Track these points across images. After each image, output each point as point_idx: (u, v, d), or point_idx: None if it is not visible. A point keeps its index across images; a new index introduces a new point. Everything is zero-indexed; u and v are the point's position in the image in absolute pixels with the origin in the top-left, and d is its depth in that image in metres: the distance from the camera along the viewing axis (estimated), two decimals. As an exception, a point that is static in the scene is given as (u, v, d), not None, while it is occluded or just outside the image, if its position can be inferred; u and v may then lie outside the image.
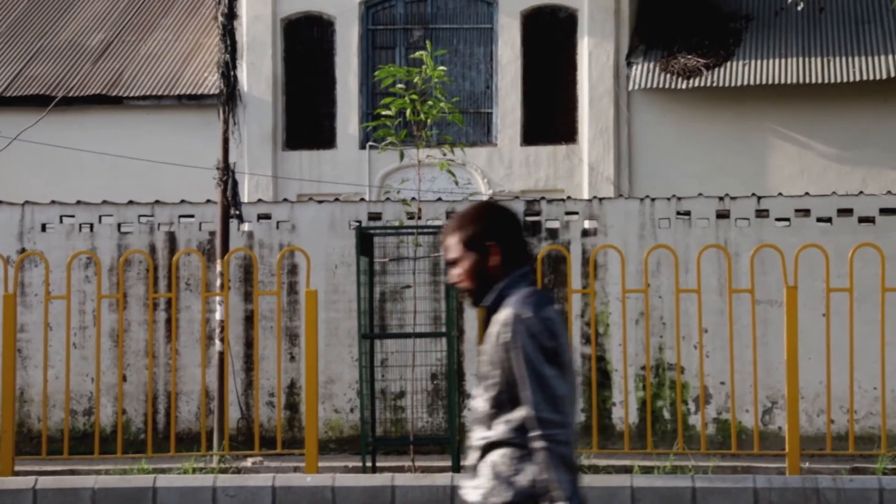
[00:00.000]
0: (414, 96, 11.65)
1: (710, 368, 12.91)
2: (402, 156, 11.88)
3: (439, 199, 14.25)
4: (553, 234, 13.56)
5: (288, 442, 12.88)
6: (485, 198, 17.62)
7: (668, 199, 13.52)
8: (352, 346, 13.41)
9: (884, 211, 13.17)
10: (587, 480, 10.23)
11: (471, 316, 13.17)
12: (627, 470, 11.11)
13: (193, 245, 13.79)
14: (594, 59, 20.27)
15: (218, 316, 12.88)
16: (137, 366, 13.69)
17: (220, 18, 13.44)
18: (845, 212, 13.22)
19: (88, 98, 21.11)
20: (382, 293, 13.26)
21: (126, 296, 13.57)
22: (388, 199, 14.36)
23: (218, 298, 12.64)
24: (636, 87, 19.82)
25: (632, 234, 13.41)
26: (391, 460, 12.03)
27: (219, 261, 12.93)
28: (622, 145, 20.19)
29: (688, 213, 13.41)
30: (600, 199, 13.89)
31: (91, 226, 13.97)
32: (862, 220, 13.17)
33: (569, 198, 14.68)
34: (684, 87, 19.60)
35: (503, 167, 20.48)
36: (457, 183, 12.69)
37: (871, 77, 19.13)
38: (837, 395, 12.05)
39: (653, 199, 13.56)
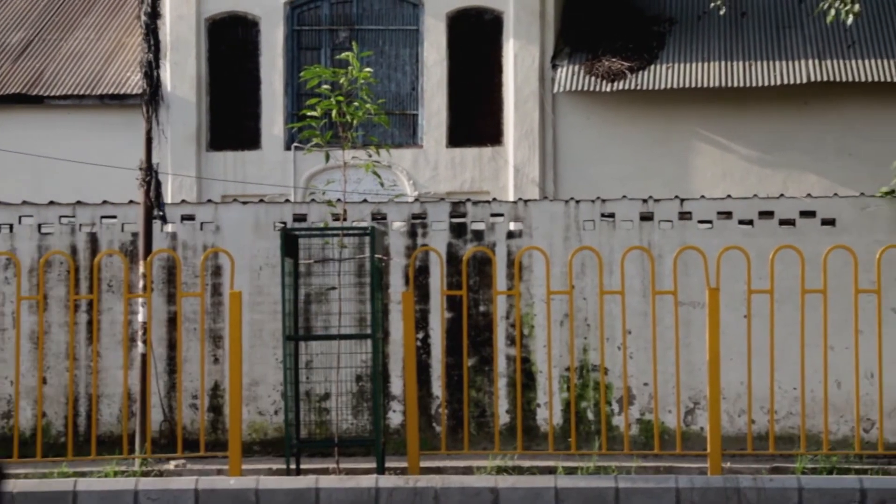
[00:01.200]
0: (340, 97, 11.61)
1: (634, 369, 13.01)
2: (327, 157, 11.83)
3: (365, 201, 14.22)
4: (478, 235, 13.58)
5: (211, 444, 12.79)
6: (410, 199, 17.59)
7: (593, 201, 13.60)
8: (276, 347, 13.34)
9: (804, 213, 13.33)
10: (511, 482, 10.26)
11: (396, 318, 13.16)
12: (551, 471, 11.16)
13: (116, 246, 13.65)
14: (519, 62, 20.36)
15: (140, 318, 12.75)
16: (58, 368, 13.52)
17: (143, 17, 13.32)
18: (766, 214, 13.36)
19: (8, 97, 20.83)
20: (307, 295, 13.21)
21: (46, 297, 13.39)
22: (313, 200, 14.30)
23: (140, 300, 12.51)
24: (561, 89, 19.93)
25: (557, 236, 13.47)
26: (316, 462, 11.98)
27: (141, 262, 12.81)
28: (547, 147, 20.29)
29: (612, 216, 13.49)
30: (525, 201, 13.93)
31: (10, 226, 13.77)
32: (783, 222, 13.32)
33: (494, 200, 14.71)
34: (609, 89, 19.74)
35: (429, 169, 20.50)
36: (382, 184, 12.65)
37: (792, 81, 19.38)
38: (758, 396, 12.18)
39: (577, 202, 13.63)
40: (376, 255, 11.45)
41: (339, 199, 12.19)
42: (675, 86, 19.58)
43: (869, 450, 12.07)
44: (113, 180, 17.66)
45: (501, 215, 13.64)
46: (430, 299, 13.43)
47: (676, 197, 13.67)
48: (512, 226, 13.60)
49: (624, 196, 13.80)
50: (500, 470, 11.30)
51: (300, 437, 11.73)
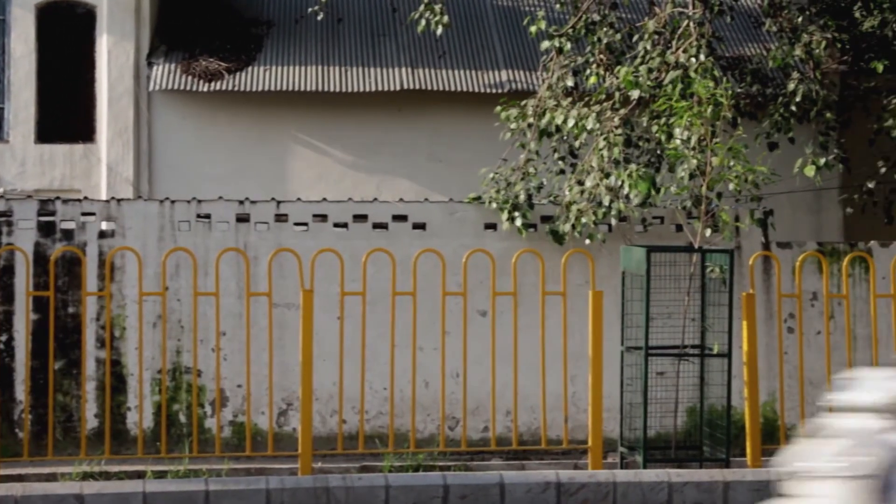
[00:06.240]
0: (-84, 86, 10.99)
1: (228, 371, 12.94)
2: None
3: (-56, 197, 13.50)
4: (68, 235, 13.14)
5: None
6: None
7: (189, 201, 13.44)
8: None
9: (397, 217, 13.66)
10: (98, 487, 9.98)
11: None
12: (140, 475, 10.96)
13: None
14: (113, 58, 19.87)
15: None
16: None
17: None
18: (361, 217, 13.61)
19: None
20: None
21: None
22: None
23: None
24: (157, 87, 19.59)
25: (151, 237, 13.22)
26: None
27: None
28: (142, 146, 19.90)
29: (208, 217, 13.37)
30: (119, 201, 13.61)
31: None
32: (376, 226, 13.60)
33: (85, 198, 14.27)
34: (206, 89, 19.58)
35: (16, 165, 19.68)
36: (-37, 180, 12.08)
37: (386, 88, 19.84)
38: (350, 396, 12.40)
39: (173, 202, 13.43)
40: (-44, 254, 10.88)
41: (-85, 194, 11.51)
42: (271, 88, 19.65)
43: (453, 447, 12.51)
44: None
45: (93, 214, 13.26)
46: (16, 300, 12.88)
47: (273, 199, 13.70)
48: (104, 225, 13.25)
49: (220, 197, 13.71)
50: (87, 476, 10.99)
51: None
